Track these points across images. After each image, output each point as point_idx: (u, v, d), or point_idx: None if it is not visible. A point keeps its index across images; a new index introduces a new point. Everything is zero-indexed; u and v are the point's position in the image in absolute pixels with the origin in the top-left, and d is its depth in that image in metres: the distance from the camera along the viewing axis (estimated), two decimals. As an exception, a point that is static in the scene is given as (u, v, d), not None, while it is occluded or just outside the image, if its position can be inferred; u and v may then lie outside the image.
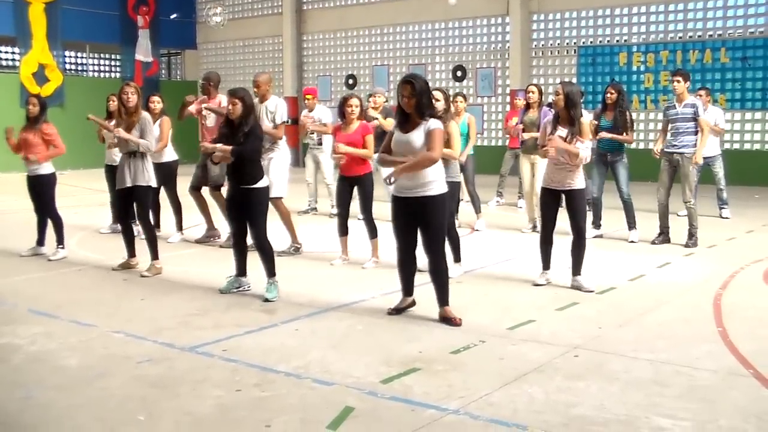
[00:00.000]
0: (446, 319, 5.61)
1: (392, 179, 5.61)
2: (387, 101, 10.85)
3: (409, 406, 4.07)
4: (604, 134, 8.85)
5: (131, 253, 7.58)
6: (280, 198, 8.14)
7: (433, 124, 5.52)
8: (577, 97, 6.59)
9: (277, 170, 8.09)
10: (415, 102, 5.49)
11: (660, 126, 9.56)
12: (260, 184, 6.43)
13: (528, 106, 9.83)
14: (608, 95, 9.01)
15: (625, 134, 8.89)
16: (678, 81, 8.70)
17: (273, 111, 8.03)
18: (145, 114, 7.47)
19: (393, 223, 5.80)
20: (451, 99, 9.10)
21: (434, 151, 5.46)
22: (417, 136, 5.53)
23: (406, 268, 5.88)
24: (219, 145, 6.31)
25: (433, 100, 5.98)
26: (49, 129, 8.05)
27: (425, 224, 5.61)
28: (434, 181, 5.54)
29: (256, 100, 7.53)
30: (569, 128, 6.53)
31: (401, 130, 5.62)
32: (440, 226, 5.67)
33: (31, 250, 8.33)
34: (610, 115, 8.94)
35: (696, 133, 8.64)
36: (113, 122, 8.51)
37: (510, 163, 12.36)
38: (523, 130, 9.83)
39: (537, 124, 9.43)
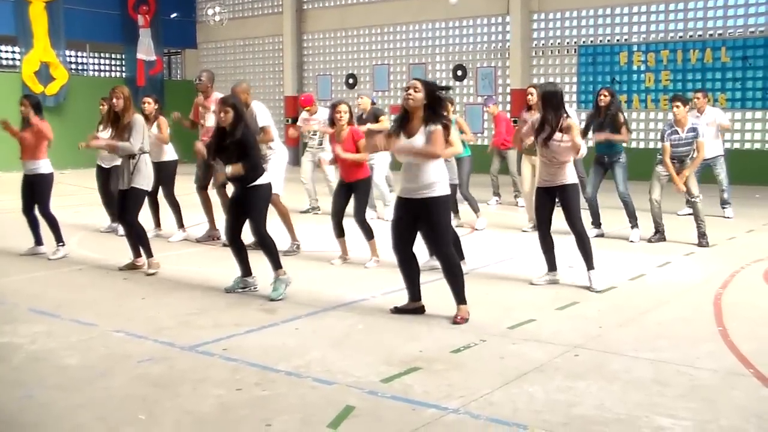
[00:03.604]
0: (453, 318, 5.61)
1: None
2: (375, 104, 10.99)
3: (409, 406, 4.07)
4: (599, 135, 8.85)
5: (136, 253, 7.56)
6: (278, 195, 8.17)
7: (433, 126, 5.50)
8: (553, 98, 6.60)
9: (273, 169, 8.13)
10: (426, 100, 5.47)
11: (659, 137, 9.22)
12: (262, 181, 6.44)
13: (529, 107, 9.81)
14: (601, 98, 9.02)
15: (619, 136, 8.90)
16: (677, 106, 8.65)
17: (254, 116, 8.06)
18: (136, 116, 7.46)
19: (393, 223, 5.82)
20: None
21: (435, 146, 5.46)
22: (419, 141, 5.53)
23: (407, 269, 5.86)
24: (235, 167, 6.28)
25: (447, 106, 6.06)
26: (39, 123, 7.99)
27: (430, 226, 5.62)
28: (437, 182, 5.56)
29: None
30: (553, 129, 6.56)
31: (404, 134, 5.61)
32: (445, 226, 5.68)
33: (30, 249, 8.33)
34: (601, 119, 8.95)
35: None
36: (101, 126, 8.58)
37: (497, 163, 12.39)
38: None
39: None
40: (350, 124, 7.73)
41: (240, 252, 6.61)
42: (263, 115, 8.17)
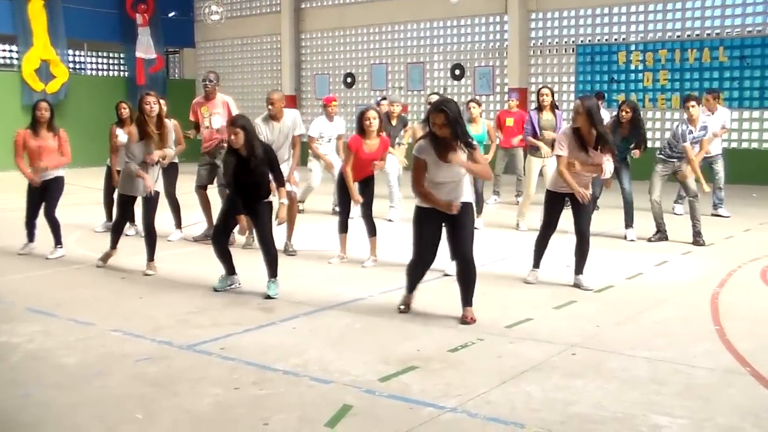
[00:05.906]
0: (464, 318, 5.63)
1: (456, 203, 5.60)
2: (406, 114, 11.10)
3: (407, 404, 4.08)
4: (636, 153, 9.02)
5: (114, 244, 7.64)
6: (294, 193, 8.23)
7: (472, 148, 5.61)
8: (599, 112, 6.50)
9: (286, 168, 8.16)
10: (450, 131, 5.46)
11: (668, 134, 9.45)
12: (270, 198, 6.57)
13: (540, 108, 9.73)
14: (623, 113, 8.87)
15: (639, 150, 9.04)
16: (693, 106, 8.84)
17: (290, 125, 8.03)
18: (170, 123, 7.62)
19: (421, 228, 5.77)
20: (465, 106, 9.23)
21: (489, 168, 5.96)
22: (462, 159, 5.57)
23: (421, 272, 5.91)
24: (283, 204, 6.55)
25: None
26: (64, 134, 8.11)
27: (457, 230, 5.66)
28: (466, 191, 5.73)
29: (259, 120, 7.74)
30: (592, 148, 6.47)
31: (441, 159, 5.53)
32: (471, 230, 5.74)
33: (25, 247, 8.32)
34: (623, 132, 8.88)
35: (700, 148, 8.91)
36: (124, 129, 8.50)
37: (503, 162, 12.33)
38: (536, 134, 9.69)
39: (553, 125, 9.43)
40: (379, 133, 7.56)
41: (225, 254, 6.68)
42: (300, 123, 8.19)
